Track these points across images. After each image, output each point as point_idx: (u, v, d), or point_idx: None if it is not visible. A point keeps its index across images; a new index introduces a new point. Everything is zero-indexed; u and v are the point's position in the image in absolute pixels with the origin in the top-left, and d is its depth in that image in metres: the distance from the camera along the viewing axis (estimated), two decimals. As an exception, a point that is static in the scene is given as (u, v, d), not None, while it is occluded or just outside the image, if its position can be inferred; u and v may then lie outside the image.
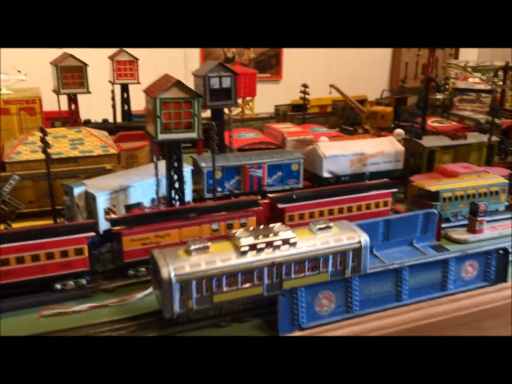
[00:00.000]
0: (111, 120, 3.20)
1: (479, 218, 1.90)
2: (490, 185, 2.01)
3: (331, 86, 3.56)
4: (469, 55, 5.04)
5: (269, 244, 1.33)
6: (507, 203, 2.07)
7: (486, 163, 2.54)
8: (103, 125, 3.06)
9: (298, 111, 3.69)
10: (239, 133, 2.86)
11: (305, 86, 3.10)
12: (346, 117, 3.65)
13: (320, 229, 1.40)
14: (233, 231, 1.44)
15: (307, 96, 3.74)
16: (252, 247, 1.31)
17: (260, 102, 4.19)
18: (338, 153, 2.26)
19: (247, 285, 1.32)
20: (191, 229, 1.61)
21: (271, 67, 4.39)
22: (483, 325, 1.56)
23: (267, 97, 4.37)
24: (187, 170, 2.07)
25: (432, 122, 3.25)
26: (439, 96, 2.91)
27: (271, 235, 1.34)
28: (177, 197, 1.83)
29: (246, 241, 1.32)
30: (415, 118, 2.28)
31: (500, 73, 3.83)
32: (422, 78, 4.90)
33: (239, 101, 3.56)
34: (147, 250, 1.58)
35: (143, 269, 1.60)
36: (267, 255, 1.32)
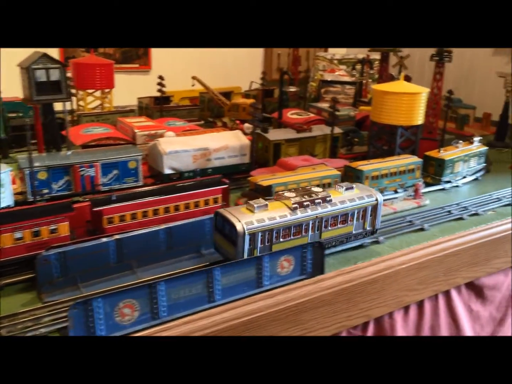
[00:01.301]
0: None
1: (310, 211, 1.95)
2: (323, 177, 2.06)
3: (194, 78, 3.50)
4: (338, 48, 5.24)
5: (312, 202, 1.56)
6: (340, 194, 2.15)
7: (331, 155, 2.62)
8: None
9: (163, 104, 3.57)
10: (87, 128, 2.69)
11: (161, 78, 3.00)
12: (212, 110, 3.61)
13: (346, 189, 1.66)
14: (281, 192, 1.63)
15: (175, 89, 3.65)
16: (300, 204, 1.54)
17: (128, 94, 4.01)
18: (179, 148, 2.19)
19: (297, 236, 1.55)
20: (-14, 239, 1.45)
21: (139, 57, 4.22)
22: (301, 317, 1.59)
23: (136, 88, 4.20)
24: (4, 171, 1.89)
25: (291, 114, 3.31)
26: (292, 89, 2.97)
27: (312, 194, 1.58)
28: (-16, 202, 1.65)
29: (295, 199, 1.54)
30: (258, 111, 2.27)
31: (358, 66, 4.02)
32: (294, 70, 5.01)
33: (97, 93, 3.37)
34: None
35: None
36: (312, 211, 1.56)
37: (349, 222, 1.69)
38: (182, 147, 2.19)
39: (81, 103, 3.33)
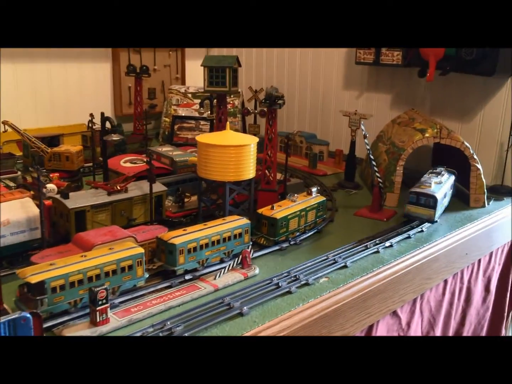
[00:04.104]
0: None
1: (99, 307, 1.56)
2: (120, 260, 1.67)
3: (4, 122, 2.97)
4: (196, 80, 4.96)
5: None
6: (147, 275, 1.78)
7: (155, 216, 2.26)
8: None
9: (-29, 153, 2.97)
10: None
11: None
12: (33, 157, 3.08)
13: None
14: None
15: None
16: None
17: None
18: None
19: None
20: None
21: (-49, 94, 3.56)
22: None
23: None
24: None
25: (124, 162, 2.91)
26: (115, 137, 2.58)
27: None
28: None
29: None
30: (39, 166, 1.82)
31: (207, 102, 3.74)
32: (149, 103, 4.64)
33: None
34: None
35: None
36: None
37: None
38: None
39: None
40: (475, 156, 2.74)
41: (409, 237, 2.37)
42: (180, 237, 1.84)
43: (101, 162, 3.05)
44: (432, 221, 2.39)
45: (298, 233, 2.30)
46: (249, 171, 2.22)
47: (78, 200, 2.02)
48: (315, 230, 2.40)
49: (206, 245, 1.91)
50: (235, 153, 2.15)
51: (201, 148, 2.18)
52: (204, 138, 2.20)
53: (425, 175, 2.66)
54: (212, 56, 2.72)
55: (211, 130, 3.75)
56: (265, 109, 3.27)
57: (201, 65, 2.67)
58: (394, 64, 3.37)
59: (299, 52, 4.25)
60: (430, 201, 2.33)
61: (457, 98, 3.32)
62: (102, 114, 2.56)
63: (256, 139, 2.24)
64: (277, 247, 2.21)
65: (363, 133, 2.54)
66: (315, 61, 4.15)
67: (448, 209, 2.75)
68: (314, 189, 2.40)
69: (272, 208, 2.20)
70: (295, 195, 2.32)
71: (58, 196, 2.02)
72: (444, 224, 2.57)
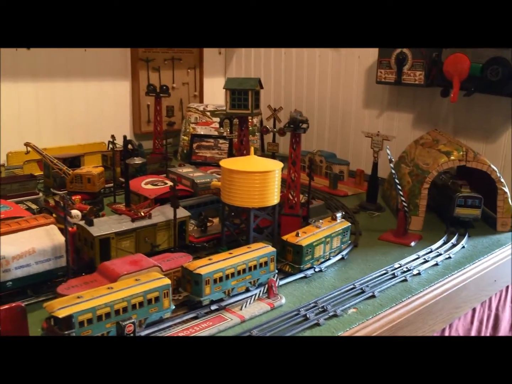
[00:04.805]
0: None
1: (127, 342, 1.53)
2: (147, 292, 1.65)
3: (27, 144, 2.98)
4: (214, 98, 4.97)
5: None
6: (173, 307, 1.75)
7: (179, 242, 2.23)
8: None
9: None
10: None
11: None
12: (54, 179, 3.08)
13: None
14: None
15: (18, 149, 3.10)
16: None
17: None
18: (-43, 262, 1.68)
19: None
20: None
21: (-26, 114, 3.60)
22: None
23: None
24: None
25: (145, 183, 2.91)
26: (138, 161, 2.57)
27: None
28: None
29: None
30: (68, 203, 1.82)
31: (227, 121, 3.73)
32: (167, 120, 4.66)
33: None
34: None
35: None
36: None
37: None
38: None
39: None
40: (502, 179, 2.68)
41: (436, 264, 2.32)
42: (206, 267, 1.81)
43: (122, 183, 3.05)
44: (478, 218, 2.63)
45: (322, 260, 2.26)
46: (274, 197, 2.19)
47: (102, 227, 2.00)
48: (340, 257, 2.35)
49: (232, 274, 1.87)
50: (260, 179, 2.12)
51: (225, 173, 2.16)
52: (228, 163, 2.18)
53: (451, 185, 2.79)
54: (234, 79, 2.71)
55: (230, 149, 3.74)
56: (285, 129, 3.25)
57: (223, 88, 2.66)
58: (416, 83, 3.33)
59: (318, 70, 4.24)
60: (476, 202, 2.58)
61: (481, 119, 3.27)
62: (125, 137, 2.56)
63: (281, 165, 2.21)
64: (302, 275, 2.17)
65: (389, 157, 2.50)
66: (334, 79, 4.13)
67: (474, 233, 2.69)
68: (338, 215, 2.36)
69: (297, 234, 2.16)
70: (320, 221, 2.28)
71: (82, 223, 2.00)
72: (471, 249, 2.51)
